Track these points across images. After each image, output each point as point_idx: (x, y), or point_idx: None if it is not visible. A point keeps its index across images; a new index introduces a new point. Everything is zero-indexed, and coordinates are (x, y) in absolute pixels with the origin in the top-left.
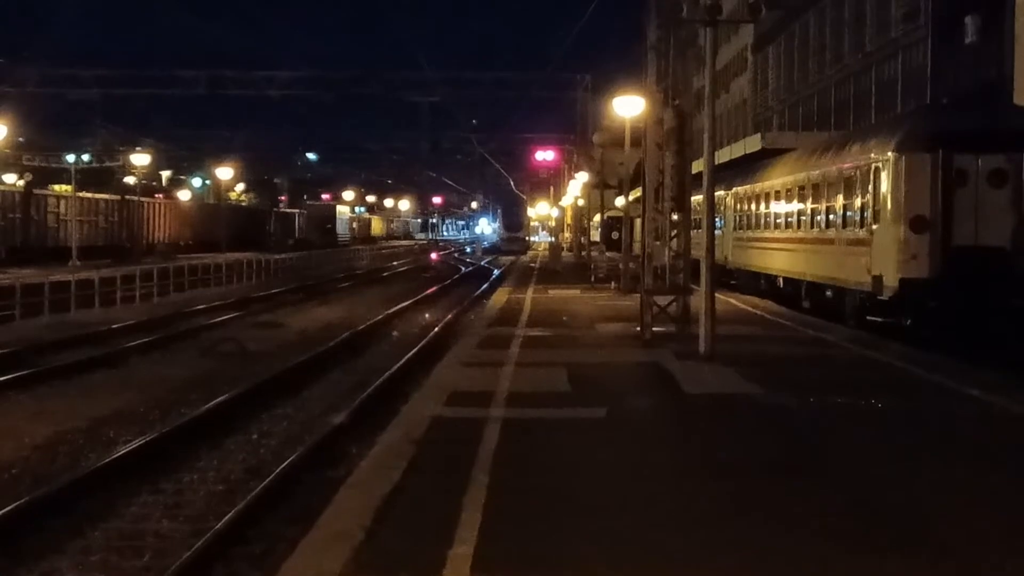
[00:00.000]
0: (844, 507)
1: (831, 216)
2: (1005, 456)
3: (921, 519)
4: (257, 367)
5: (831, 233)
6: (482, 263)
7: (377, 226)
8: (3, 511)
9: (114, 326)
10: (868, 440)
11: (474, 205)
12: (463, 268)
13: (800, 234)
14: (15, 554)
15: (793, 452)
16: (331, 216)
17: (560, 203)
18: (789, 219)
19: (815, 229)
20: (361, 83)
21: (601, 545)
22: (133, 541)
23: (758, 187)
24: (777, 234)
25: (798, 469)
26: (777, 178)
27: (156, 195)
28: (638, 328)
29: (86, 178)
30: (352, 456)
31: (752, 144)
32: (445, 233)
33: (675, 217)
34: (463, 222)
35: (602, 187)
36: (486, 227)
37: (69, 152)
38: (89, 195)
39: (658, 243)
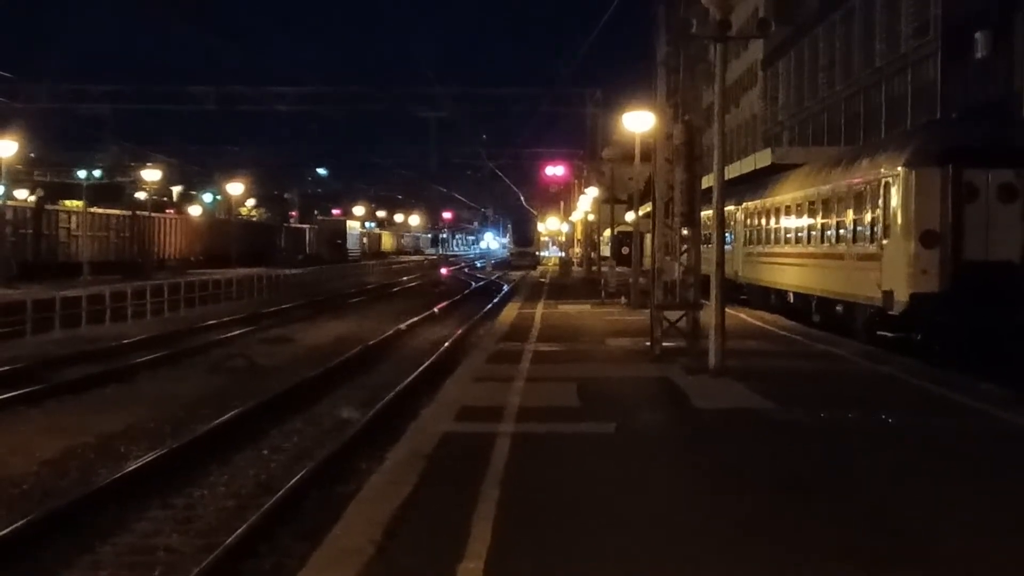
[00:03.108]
0: (856, 523)
1: (841, 231)
2: (1017, 472)
3: (932, 534)
4: (267, 382)
5: (841, 248)
6: (492, 278)
7: (387, 241)
8: (13, 526)
9: (125, 341)
10: (879, 456)
11: (481, 220)
12: (473, 283)
13: (810, 249)
14: (25, 569)
15: (804, 467)
16: (341, 231)
17: (570, 218)
18: (799, 234)
19: (825, 244)
20: (371, 99)
21: (611, 561)
22: (143, 556)
23: (768, 202)
24: (787, 249)
25: (809, 484)
26: (787, 193)
27: (167, 210)
28: (648, 343)
29: (97, 194)
30: (362, 471)
31: (762, 159)
32: (455, 248)
33: (685, 232)
34: (473, 237)
35: (612, 202)
36: (492, 242)
37: (80, 168)
38: (100, 210)
39: (668, 258)
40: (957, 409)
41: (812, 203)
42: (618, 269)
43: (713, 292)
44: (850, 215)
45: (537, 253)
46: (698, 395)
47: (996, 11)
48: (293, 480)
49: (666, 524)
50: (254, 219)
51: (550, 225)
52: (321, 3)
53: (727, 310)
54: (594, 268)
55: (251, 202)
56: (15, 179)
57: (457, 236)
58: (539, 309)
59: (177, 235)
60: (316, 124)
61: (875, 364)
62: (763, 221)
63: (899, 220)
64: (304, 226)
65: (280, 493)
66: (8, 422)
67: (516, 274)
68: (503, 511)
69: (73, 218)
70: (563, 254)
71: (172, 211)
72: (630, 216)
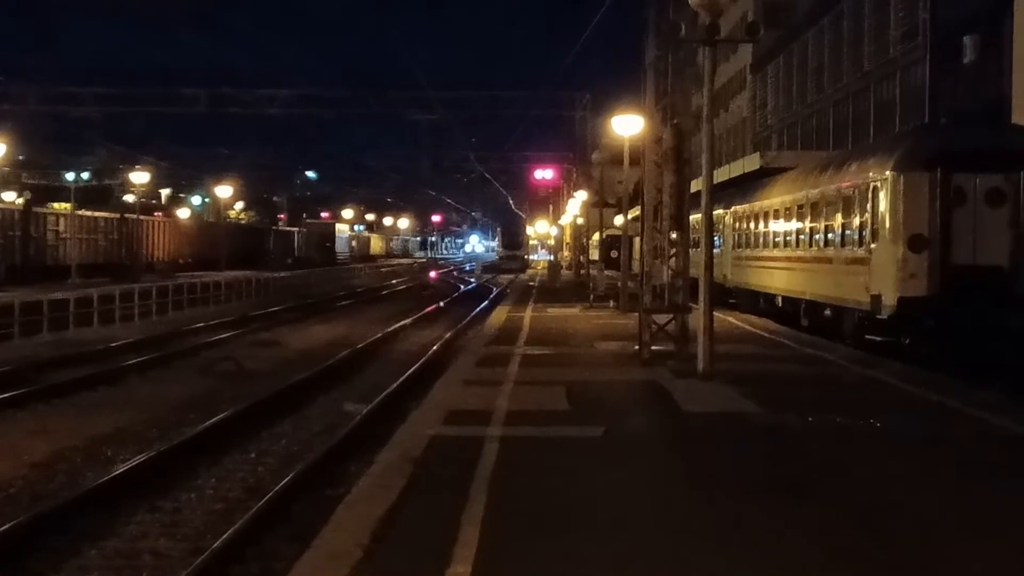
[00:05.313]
0: (847, 525)
1: (830, 235)
2: (1006, 476)
3: (924, 537)
4: (256, 386)
5: (830, 252)
6: (481, 282)
7: (376, 244)
8: (0, 529)
9: (113, 344)
10: (867, 460)
11: (468, 222)
12: (462, 287)
13: (799, 253)
14: (14, 573)
15: (792, 471)
16: (330, 234)
17: (559, 221)
18: (788, 238)
19: (814, 248)
20: (361, 102)
21: (601, 564)
22: (130, 560)
23: (757, 206)
24: (776, 253)
25: (797, 488)
26: (776, 197)
27: (155, 213)
28: (637, 347)
29: (85, 196)
30: (351, 475)
31: (751, 163)
32: (445, 251)
33: (674, 236)
34: (462, 240)
35: (601, 206)
36: (477, 245)
37: (69, 170)
38: (88, 213)
39: (657, 262)
40: (946, 413)
41: (801, 207)
42: (607, 273)
43: (702, 296)
44: (839, 219)
45: (526, 256)
46: (686, 399)
47: (985, 15)
48: (282, 483)
49: (656, 528)
50: (243, 222)
51: (539, 228)
52: (313, 7)
53: (716, 314)
54: (583, 272)
55: (240, 205)
56: (3, 181)
57: (446, 239)
58: (528, 312)
59: (165, 238)
60: (307, 127)
61: (863, 368)
62: (752, 225)
63: (887, 224)
64: (293, 229)
65: (268, 496)
66: None
67: (505, 277)
68: (491, 515)
69: (61, 220)
70: (552, 257)
71: (160, 214)
72: (619, 220)
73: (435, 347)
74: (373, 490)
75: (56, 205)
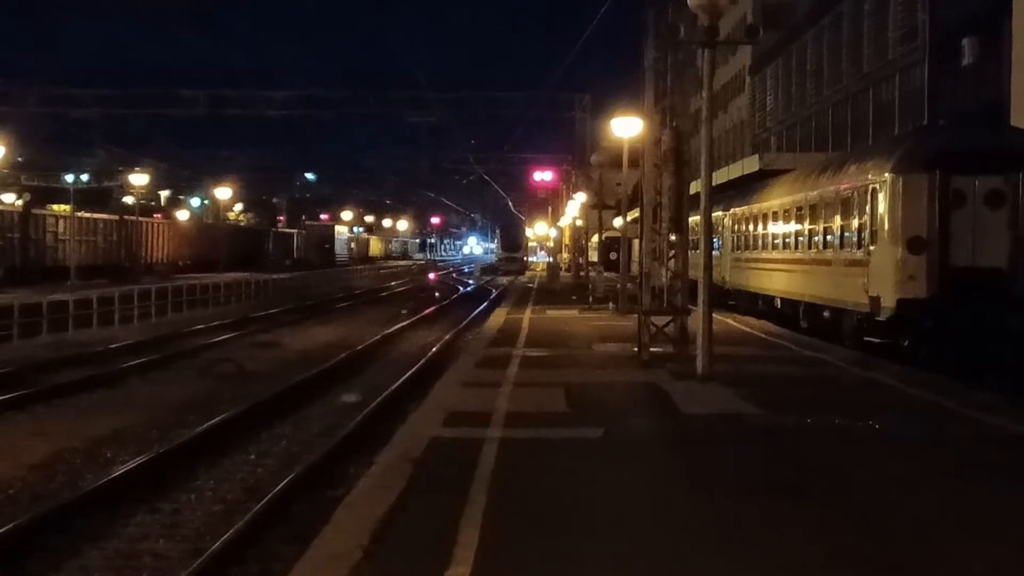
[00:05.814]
0: (844, 527)
1: (829, 237)
2: (1005, 476)
3: (919, 539)
4: (256, 387)
5: (829, 254)
6: (480, 284)
7: (375, 246)
8: (1, 530)
9: (112, 346)
10: (866, 460)
11: (467, 224)
12: (461, 288)
13: (798, 255)
14: (13, 573)
15: (791, 472)
16: (329, 236)
17: (558, 223)
18: (787, 240)
19: (813, 250)
20: (361, 103)
21: (599, 565)
22: (130, 560)
23: (756, 208)
24: (775, 255)
25: (797, 489)
26: (775, 199)
27: (155, 215)
28: (636, 348)
29: (85, 198)
30: (351, 475)
31: (750, 165)
32: (444, 253)
33: (673, 237)
34: (461, 242)
35: (600, 207)
36: (476, 247)
37: (68, 172)
38: (88, 215)
39: (656, 263)
40: (945, 415)
41: (800, 209)
42: (606, 274)
43: (701, 297)
44: (838, 221)
45: (525, 258)
46: (686, 400)
47: (984, 17)
48: (281, 484)
49: (656, 528)
50: (242, 224)
51: (538, 230)
52: (313, 7)
53: (715, 316)
54: (582, 273)
55: (239, 207)
56: (2, 183)
57: (445, 241)
58: (527, 314)
59: (165, 239)
60: (306, 129)
61: (862, 370)
62: (751, 227)
63: (886, 226)
64: (292, 231)
65: (268, 497)
66: None
67: (504, 279)
68: (490, 516)
69: (61, 222)
70: (551, 259)
71: (160, 215)
72: (618, 222)
73: (434, 349)
74: (373, 491)
75: (55, 207)
